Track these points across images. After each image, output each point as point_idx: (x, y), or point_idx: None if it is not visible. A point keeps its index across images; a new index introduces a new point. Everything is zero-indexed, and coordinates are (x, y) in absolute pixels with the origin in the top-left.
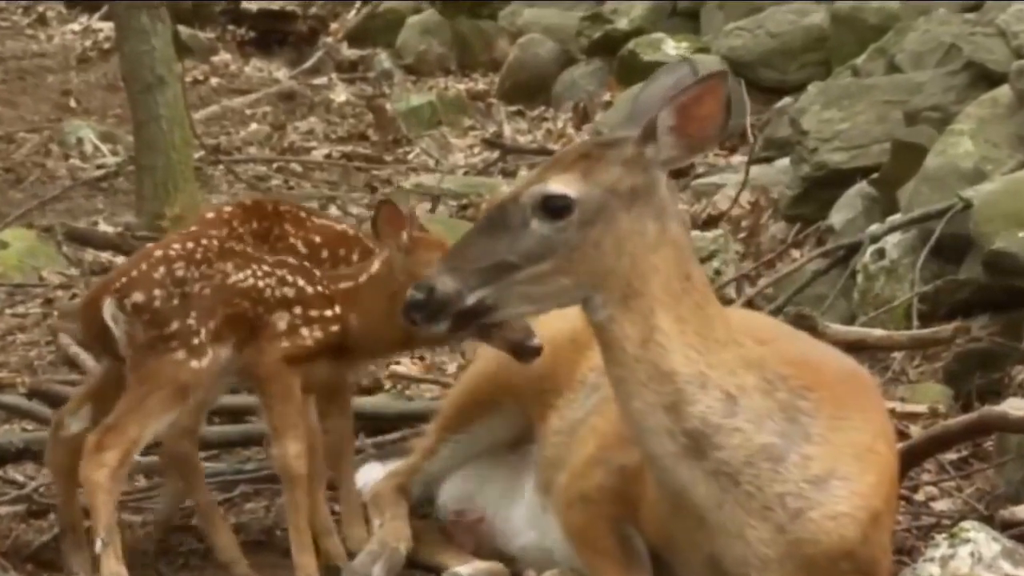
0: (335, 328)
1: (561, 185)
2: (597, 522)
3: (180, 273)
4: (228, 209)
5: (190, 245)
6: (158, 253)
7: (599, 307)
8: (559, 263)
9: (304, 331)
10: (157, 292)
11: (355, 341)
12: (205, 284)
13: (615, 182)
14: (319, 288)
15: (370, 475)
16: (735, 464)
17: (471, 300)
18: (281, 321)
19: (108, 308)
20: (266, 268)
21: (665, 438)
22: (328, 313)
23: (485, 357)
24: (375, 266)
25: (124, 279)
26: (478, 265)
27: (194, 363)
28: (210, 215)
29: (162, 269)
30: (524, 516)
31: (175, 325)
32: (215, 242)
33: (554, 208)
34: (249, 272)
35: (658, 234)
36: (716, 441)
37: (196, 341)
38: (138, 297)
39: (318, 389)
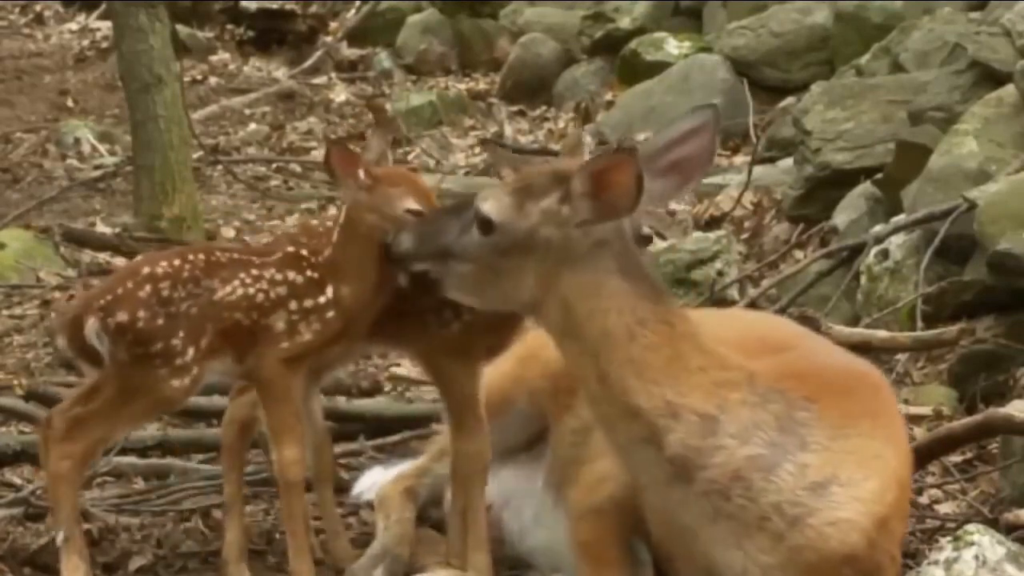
0: (331, 314)
1: (491, 206)
2: (605, 535)
3: (166, 293)
4: None
5: (177, 263)
6: (145, 271)
7: (544, 330)
8: (481, 272)
9: (302, 327)
10: (141, 313)
11: (353, 313)
12: (192, 303)
13: (535, 226)
14: (309, 273)
15: (373, 479)
16: (723, 481)
17: (417, 267)
18: (279, 322)
19: (91, 327)
20: (255, 272)
21: (653, 467)
22: (322, 299)
23: (503, 357)
24: (341, 217)
25: (109, 297)
26: (430, 240)
27: (175, 382)
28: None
29: (148, 288)
30: (533, 515)
31: (159, 345)
32: (201, 257)
33: (483, 223)
34: (237, 283)
35: (579, 287)
36: (700, 462)
37: (179, 361)
38: (122, 317)
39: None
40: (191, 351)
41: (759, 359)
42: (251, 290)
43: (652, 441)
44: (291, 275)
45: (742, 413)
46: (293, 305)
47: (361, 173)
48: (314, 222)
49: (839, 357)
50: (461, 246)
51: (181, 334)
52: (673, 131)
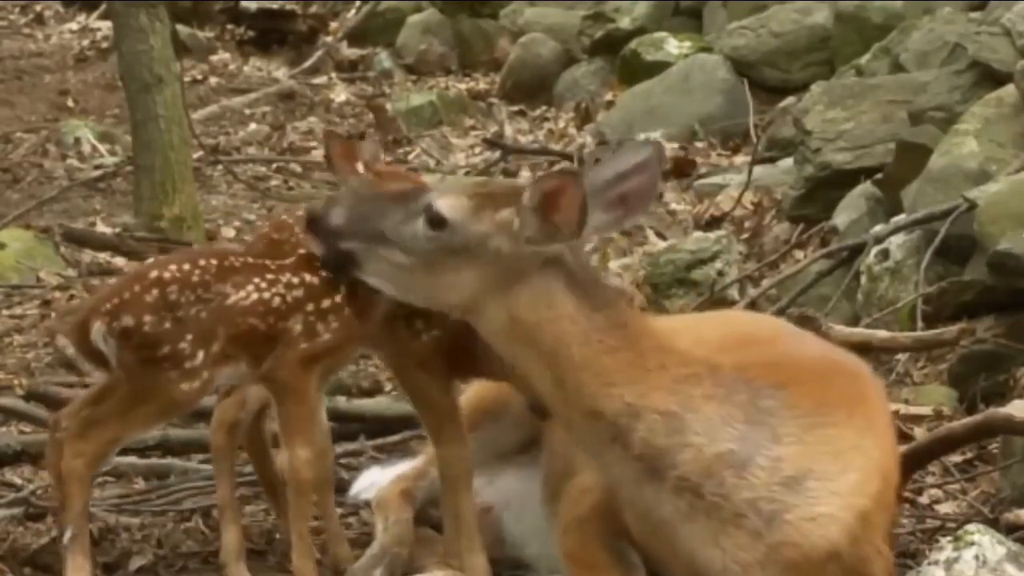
0: (348, 311)
1: (446, 203)
2: (590, 543)
3: (173, 297)
4: None
5: (187, 267)
6: (152, 275)
7: (480, 331)
8: (416, 266)
9: (320, 327)
10: (148, 317)
11: (368, 307)
12: (202, 308)
13: (488, 234)
14: (323, 274)
15: (371, 479)
16: (694, 478)
17: (343, 245)
18: (297, 324)
19: (97, 331)
20: (270, 276)
21: (622, 466)
22: (338, 298)
23: None
24: None
25: (115, 300)
26: (366, 220)
27: (185, 386)
28: None
29: (155, 292)
30: (532, 526)
31: (166, 348)
32: (213, 262)
33: (435, 219)
34: (251, 287)
35: (529, 301)
36: (668, 460)
37: (189, 365)
38: (128, 321)
39: None
40: (201, 355)
41: (734, 354)
42: (267, 295)
43: (618, 440)
44: (308, 277)
45: (707, 408)
46: (310, 307)
47: (360, 167)
48: (284, 216)
49: (817, 348)
50: (400, 235)
51: (189, 338)
52: (620, 163)
